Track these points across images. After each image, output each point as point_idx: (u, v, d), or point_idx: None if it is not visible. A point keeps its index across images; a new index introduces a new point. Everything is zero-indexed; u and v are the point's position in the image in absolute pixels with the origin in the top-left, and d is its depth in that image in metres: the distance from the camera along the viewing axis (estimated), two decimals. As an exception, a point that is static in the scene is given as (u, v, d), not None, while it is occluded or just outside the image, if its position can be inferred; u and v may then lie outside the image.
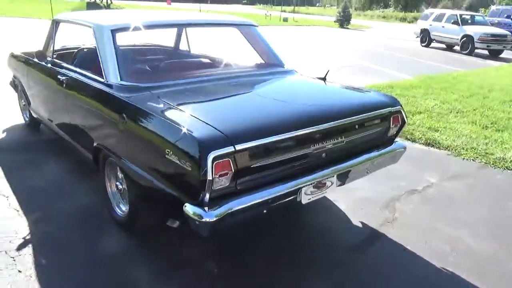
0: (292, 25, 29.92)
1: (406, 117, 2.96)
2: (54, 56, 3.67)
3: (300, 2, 79.26)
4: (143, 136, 2.30)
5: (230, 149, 1.94)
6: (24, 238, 2.70)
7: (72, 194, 3.35)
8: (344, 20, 30.65)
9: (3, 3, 25.59)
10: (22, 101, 4.76)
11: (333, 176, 2.54)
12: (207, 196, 1.95)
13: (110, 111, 2.64)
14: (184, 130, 2.00)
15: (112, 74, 2.69)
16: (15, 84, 4.81)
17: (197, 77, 2.97)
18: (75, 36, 4.54)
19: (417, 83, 8.60)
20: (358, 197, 3.52)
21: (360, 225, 3.11)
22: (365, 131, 2.68)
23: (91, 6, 26.23)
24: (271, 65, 3.50)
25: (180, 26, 3.26)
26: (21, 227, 2.82)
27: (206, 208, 1.96)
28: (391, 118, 2.84)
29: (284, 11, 46.28)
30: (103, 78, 2.74)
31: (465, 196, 3.70)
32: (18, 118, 4.98)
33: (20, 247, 2.60)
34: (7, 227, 2.81)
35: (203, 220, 1.93)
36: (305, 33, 23.23)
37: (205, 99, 2.56)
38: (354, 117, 2.53)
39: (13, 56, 4.69)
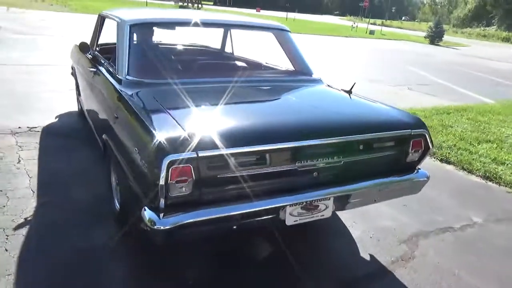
0: (378, 38, 28.82)
1: (432, 143, 2.56)
2: (96, 49, 3.83)
3: (392, 15, 76.28)
4: (124, 131, 2.26)
5: (191, 154, 1.79)
6: (25, 219, 2.81)
7: (89, 184, 3.43)
8: (435, 37, 28.80)
9: (92, 1, 27.99)
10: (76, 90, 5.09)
11: (329, 199, 2.26)
12: (162, 202, 1.82)
13: (113, 104, 2.64)
14: (152, 130, 1.90)
15: (122, 69, 2.69)
16: (73, 74, 5.15)
17: (209, 78, 2.87)
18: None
19: (497, 109, 7.68)
20: (379, 225, 3.16)
21: (368, 258, 2.76)
22: (372, 153, 2.36)
23: (183, 9, 27.76)
24: (297, 73, 3.29)
25: (207, 26, 3.20)
26: (28, 208, 2.95)
27: (161, 215, 1.83)
28: (411, 142, 2.47)
29: (374, 23, 44.88)
30: (116, 73, 2.76)
31: (512, 244, 3.13)
32: (74, 106, 5.33)
33: (17, 227, 2.70)
34: (17, 206, 2.94)
35: (155, 227, 1.81)
36: (386, 47, 22.20)
37: (200, 101, 2.44)
38: (356, 136, 2.23)
39: (74, 47, 5.04)
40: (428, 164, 4.64)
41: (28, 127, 4.55)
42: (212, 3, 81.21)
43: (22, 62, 8.01)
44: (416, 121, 2.55)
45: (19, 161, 3.70)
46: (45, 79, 6.89)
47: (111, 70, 2.93)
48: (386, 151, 2.42)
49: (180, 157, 1.77)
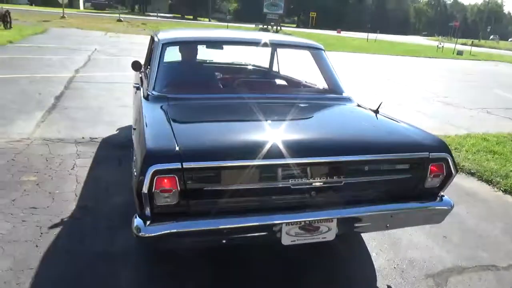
0: (466, 59, 26.86)
1: (456, 168, 2.32)
2: (147, 67, 4.13)
3: (487, 35, 70.83)
4: (135, 143, 2.39)
5: (176, 165, 1.84)
6: (62, 219, 3.08)
7: (128, 193, 3.65)
8: (535, 57, 26.02)
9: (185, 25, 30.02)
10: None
11: (331, 222, 2.16)
12: (148, 210, 1.89)
13: (135, 118, 2.81)
14: (146, 140, 2.00)
15: (150, 84, 2.87)
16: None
17: (233, 94, 2.93)
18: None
19: None
20: (408, 256, 2.92)
21: (385, 288, 2.56)
22: (381, 175, 2.21)
23: (262, 31, 28.65)
24: (327, 91, 3.22)
25: (241, 44, 3.30)
26: (67, 210, 3.23)
27: (147, 223, 1.90)
28: (429, 166, 2.26)
29: (465, 43, 42.13)
30: (146, 88, 2.95)
31: None
32: (135, 121, 5.76)
33: (52, 226, 2.97)
34: (58, 208, 3.24)
35: (140, 234, 1.88)
36: (473, 68, 20.58)
37: (210, 116, 2.49)
38: (357, 156, 2.11)
39: None
40: (488, 195, 4.21)
41: (90, 137, 5.00)
42: (295, 25, 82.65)
43: (104, 80, 8.87)
44: (437, 144, 2.34)
45: (73, 167, 4.08)
46: (120, 95, 7.53)
47: (144, 86, 3.13)
48: (398, 174, 2.25)
49: (165, 167, 1.83)
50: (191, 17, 71.42)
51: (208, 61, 3.83)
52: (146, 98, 2.79)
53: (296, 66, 3.91)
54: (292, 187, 2.04)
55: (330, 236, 2.19)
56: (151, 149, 1.91)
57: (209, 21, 61.33)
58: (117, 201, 3.46)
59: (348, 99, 3.10)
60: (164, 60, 3.02)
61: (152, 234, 1.88)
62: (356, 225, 2.23)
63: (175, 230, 1.90)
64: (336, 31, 47.70)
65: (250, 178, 1.99)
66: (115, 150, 4.70)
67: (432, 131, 6.46)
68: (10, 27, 18.19)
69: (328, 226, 2.16)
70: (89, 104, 6.72)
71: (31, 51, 12.35)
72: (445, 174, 2.30)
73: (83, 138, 4.97)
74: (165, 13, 74.96)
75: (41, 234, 2.85)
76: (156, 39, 3.27)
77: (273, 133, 2.19)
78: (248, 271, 2.66)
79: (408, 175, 2.27)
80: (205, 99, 2.79)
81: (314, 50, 3.47)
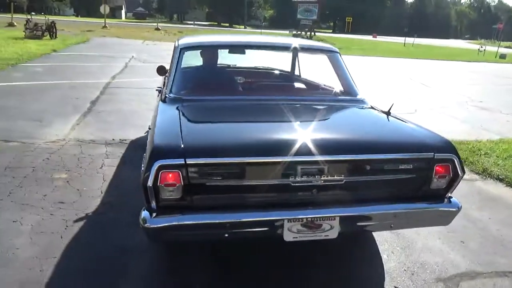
0: (509, 62, 25.70)
1: (463, 169, 2.30)
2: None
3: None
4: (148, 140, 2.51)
5: (179, 161, 1.96)
6: (86, 214, 3.28)
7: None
8: None
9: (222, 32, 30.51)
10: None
11: (334, 220, 2.20)
12: (154, 203, 2.01)
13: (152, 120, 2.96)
14: (154, 138, 2.13)
15: (168, 87, 3.02)
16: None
17: (247, 95, 3.03)
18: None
19: None
20: (420, 259, 2.89)
21: (392, 290, 2.55)
22: (383, 174, 2.22)
23: (296, 37, 28.72)
24: (341, 93, 3.26)
25: (254, 48, 3.40)
26: (92, 205, 3.43)
27: (153, 215, 2.03)
28: (435, 167, 2.26)
29: (509, 46, 40.37)
30: (164, 91, 3.11)
31: None
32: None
33: (77, 220, 3.17)
34: (84, 203, 3.45)
35: (145, 225, 2.01)
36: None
37: (218, 116, 2.59)
38: (356, 155, 2.14)
39: None
40: (513, 200, 4.06)
41: (120, 139, 5.25)
42: (331, 31, 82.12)
43: (137, 86, 9.23)
44: (443, 144, 2.32)
45: (102, 166, 4.31)
46: (150, 99, 7.80)
47: (164, 89, 3.29)
48: (402, 174, 2.25)
49: (169, 163, 1.95)
50: (227, 24, 72.60)
51: (226, 65, 3.95)
52: (164, 100, 2.93)
53: (313, 69, 3.96)
54: (292, 184, 2.10)
55: (333, 234, 2.23)
56: (157, 145, 2.04)
57: (244, 28, 62.11)
58: (139, 199, 3.61)
59: (361, 101, 3.12)
60: (186, 65, 3.17)
61: (157, 226, 2.00)
62: (359, 224, 2.26)
63: (178, 223, 2.01)
64: (372, 36, 46.96)
65: (251, 175, 2.08)
66: (141, 151, 4.87)
67: (462, 136, 6.32)
68: (56, 37, 19.25)
69: (331, 224, 2.20)
70: (122, 108, 7.04)
71: (72, 59, 13.04)
72: (451, 175, 2.29)
73: (113, 139, 5.22)
74: (202, 21, 76.65)
75: (66, 227, 3.06)
76: (176, 44, 3.43)
77: (276, 133, 2.27)
78: (256, 270, 2.73)
79: (413, 175, 2.27)
80: (219, 101, 2.90)
81: (329, 53, 3.51)
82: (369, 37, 46.20)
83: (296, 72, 3.99)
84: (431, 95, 10.69)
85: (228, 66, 3.96)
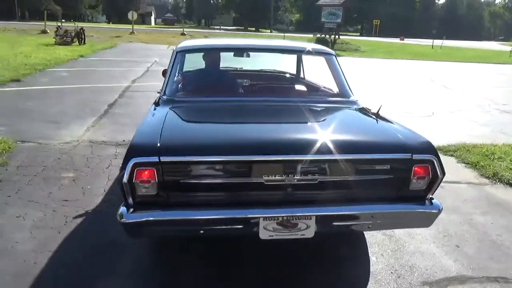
0: (544, 64, 24.63)
1: (443, 170, 2.26)
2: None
3: None
4: None
5: (154, 159, 2.03)
6: (86, 211, 3.41)
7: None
8: None
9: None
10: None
11: (310, 219, 2.22)
12: (130, 199, 2.09)
13: None
14: (135, 136, 2.22)
15: (163, 90, 3.12)
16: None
17: (237, 97, 3.09)
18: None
19: None
20: (409, 262, 2.85)
21: (372, 294, 2.53)
22: (358, 175, 2.22)
23: (320, 40, 28.59)
24: (334, 94, 3.27)
25: (250, 51, 3.47)
26: (93, 203, 3.56)
27: (130, 210, 2.11)
28: (413, 168, 2.24)
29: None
30: (159, 94, 3.20)
31: None
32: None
33: (77, 217, 3.30)
34: (86, 201, 3.59)
35: (122, 220, 2.09)
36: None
37: (203, 117, 2.65)
38: (331, 155, 2.14)
39: None
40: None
41: (130, 140, 5.41)
42: (358, 34, 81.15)
43: (156, 89, 9.44)
44: (422, 145, 2.29)
45: (108, 166, 4.46)
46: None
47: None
48: (379, 175, 2.23)
49: (144, 160, 2.03)
50: (253, 29, 73.08)
51: (224, 68, 4.03)
52: (157, 102, 3.03)
53: (309, 71, 3.98)
54: (265, 183, 2.13)
55: (309, 233, 2.24)
56: (134, 144, 2.12)
57: (270, 32, 62.35)
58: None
59: (353, 102, 3.12)
60: (190, 68, 3.25)
61: (132, 221, 2.08)
62: (335, 223, 2.27)
63: (153, 219, 2.09)
64: (399, 39, 46.12)
65: (224, 173, 2.13)
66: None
67: (479, 140, 6.13)
68: (84, 43, 19.97)
69: (307, 224, 2.22)
70: (137, 110, 7.23)
71: (97, 64, 13.49)
72: (430, 176, 2.26)
73: (123, 141, 5.39)
74: (229, 26, 77.51)
75: (65, 223, 3.20)
76: (174, 48, 3.53)
77: (253, 132, 2.31)
78: (243, 268, 2.77)
79: (391, 176, 2.25)
80: (210, 102, 2.97)
81: (326, 56, 3.52)
82: (397, 40, 45.37)
83: (290, 74, 4.02)
84: (452, 98, 10.42)
85: (225, 69, 4.03)
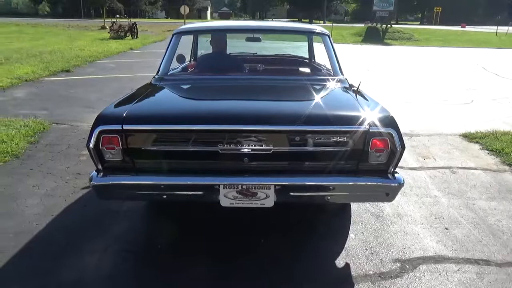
0: None
1: (402, 144, 2.22)
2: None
3: None
4: None
5: (117, 127, 2.21)
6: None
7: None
8: None
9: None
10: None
11: (269, 189, 2.30)
12: (99, 165, 2.30)
13: None
14: (107, 107, 2.42)
15: (157, 70, 3.31)
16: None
17: (223, 75, 3.19)
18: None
19: None
20: (388, 241, 2.84)
21: (340, 265, 2.56)
22: (314, 146, 2.24)
23: (371, 29, 27.71)
24: (325, 73, 3.30)
25: (249, 32, 3.55)
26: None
27: (100, 174, 2.31)
28: (370, 141, 2.22)
29: None
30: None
31: None
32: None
33: (84, 188, 3.62)
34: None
35: (91, 183, 2.30)
36: None
37: (179, 92, 2.81)
38: (282, 126, 2.19)
39: None
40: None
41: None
42: (418, 22, 77.27)
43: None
44: (381, 119, 2.25)
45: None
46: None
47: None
48: (336, 147, 2.24)
49: (108, 128, 2.22)
50: (307, 20, 72.18)
51: (222, 51, 4.14)
52: (150, 82, 3.23)
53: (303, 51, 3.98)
54: (220, 152, 2.24)
55: (269, 203, 2.32)
56: (102, 113, 2.32)
57: (324, 22, 61.24)
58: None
59: (340, 81, 3.10)
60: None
61: (100, 183, 2.29)
62: (294, 193, 2.32)
63: (118, 182, 2.28)
64: (460, 26, 43.37)
65: (182, 142, 2.27)
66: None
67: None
68: (137, 36, 21.00)
69: (266, 193, 2.30)
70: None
71: (144, 55, 14.18)
72: (389, 150, 2.23)
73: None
74: (283, 19, 77.24)
75: (72, 192, 3.52)
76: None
77: (213, 105, 2.42)
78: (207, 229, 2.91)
79: (348, 148, 2.25)
80: (197, 80, 3.13)
81: (322, 35, 3.52)
82: (457, 28, 42.68)
83: (290, 56, 4.04)
84: (501, 86, 9.76)
85: (223, 51, 4.14)
